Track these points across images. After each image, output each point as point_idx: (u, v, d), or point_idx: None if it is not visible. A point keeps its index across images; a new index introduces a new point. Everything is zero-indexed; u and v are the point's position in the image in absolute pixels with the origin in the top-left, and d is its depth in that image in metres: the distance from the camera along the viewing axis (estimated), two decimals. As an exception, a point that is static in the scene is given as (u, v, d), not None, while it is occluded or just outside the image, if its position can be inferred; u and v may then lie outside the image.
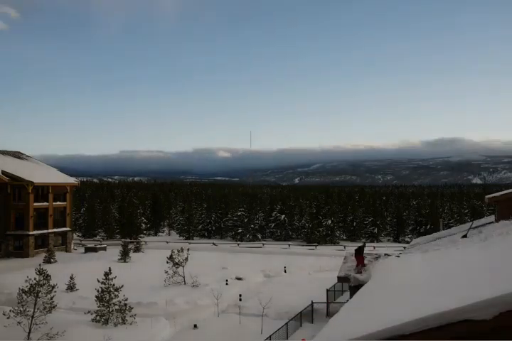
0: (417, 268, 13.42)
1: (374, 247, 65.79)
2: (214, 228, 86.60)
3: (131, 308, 28.21)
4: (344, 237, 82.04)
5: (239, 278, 42.11)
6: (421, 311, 6.28)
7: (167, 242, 72.06)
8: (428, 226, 77.56)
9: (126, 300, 28.33)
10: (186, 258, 39.33)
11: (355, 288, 23.41)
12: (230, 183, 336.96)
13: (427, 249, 25.30)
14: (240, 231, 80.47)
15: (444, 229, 43.25)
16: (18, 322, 25.10)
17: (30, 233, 55.87)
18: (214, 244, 73.26)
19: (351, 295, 23.44)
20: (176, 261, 39.03)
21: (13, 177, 55.37)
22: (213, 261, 51.29)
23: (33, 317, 25.31)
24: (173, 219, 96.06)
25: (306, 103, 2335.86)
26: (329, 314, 28.49)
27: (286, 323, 26.43)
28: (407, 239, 75.51)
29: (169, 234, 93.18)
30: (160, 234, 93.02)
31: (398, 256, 26.67)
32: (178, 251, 39.73)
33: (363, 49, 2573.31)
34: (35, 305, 25.55)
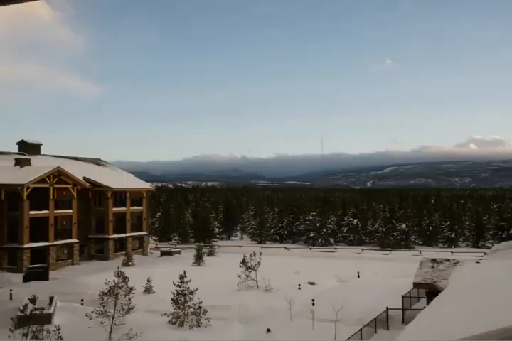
0: (498, 275, 12.80)
1: (452, 252, 63.41)
2: (286, 232, 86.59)
3: (205, 311, 28.68)
4: (420, 242, 79.59)
5: (311, 283, 41.81)
6: (502, 321, 6.00)
7: (240, 246, 72.76)
8: (511, 231, 73.76)
9: (200, 303, 28.85)
10: (259, 263, 39.48)
11: (432, 295, 22.65)
12: (301, 187, 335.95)
13: (509, 255, 24.07)
14: (312, 235, 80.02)
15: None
16: (100, 323, 26.13)
17: (110, 237, 58.14)
18: (286, 248, 73.26)
19: (428, 302, 22.69)
20: (249, 265, 39.28)
21: (94, 184, 57.92)
22: (285, 265, 51.22)
23: (113, 317, 26.28)
24: (245, 223, 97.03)
25: (375, 106, 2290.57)
26: (405, 321, 27.70)
27: (361, 329, 25.92)
28: (487, 245, 72.17)
29: (242, 238, 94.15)
30: (233, 238, 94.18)
31: (478, 262, 25.60)
32: (251, 255, 39.98)
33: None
34: (115, 306, 26.53)
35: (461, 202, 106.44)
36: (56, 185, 52.26)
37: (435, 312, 10.79)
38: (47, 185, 51.27)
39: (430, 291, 26.16)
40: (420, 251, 66.66)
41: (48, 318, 28.70)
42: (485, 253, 52.73)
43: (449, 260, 30.64)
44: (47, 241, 50.36)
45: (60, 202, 53.26)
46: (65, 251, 53.11)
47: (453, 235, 77.22)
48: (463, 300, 10.89)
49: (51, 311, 29.95)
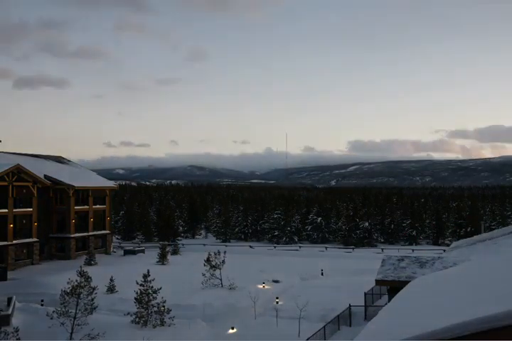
0: (457, 272, 13.14)
1: (413, 250, 64.74)
2: (251, 231, 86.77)
3: (169, 310, 28.52)
4: (382, 240, 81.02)
5: (276, 281, 42.07)
6: (460, 316, 6.16)
7: (204, 245, 72.49)
8: (469, 229, 75.77)
9: (164, 302, 28.66)
10: (223, 261, 39.53)
11: (393, 292, 23.09)
12: (266, 186, 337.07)
13: (467, 252, 24.79)
14: (276, 233, 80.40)
15: (485, 232, 42.33)
16: (62, 323, 25.65)
17: (72, 236, 57.12)
18: (251, 246, 73.44)
19: (389, 299, 23.12)
20: (213, 263, 39.29)
21: (55, 182, 56.80)
22: (250, 263, 51.38)
23: (75, 318, 25.84)
24: (210, 221, 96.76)
25: (339, 104, 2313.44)
26: (367, 317, 28.18)
27: (324, 326, 26.24)
28: (447, 242, 73.97)
29: (206, 236, 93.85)
30: (197, 236, 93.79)
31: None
32: (215, 254, 39.98)
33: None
34: (76, 306, 26.08)
35: (422, 200, 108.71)
36: (15, 183, 51.05)
37: (396, 309, 11.01)
38: (5, 183, 50.02)
39: (392, 288, 26.69)
40: (382, 249, 67.86)
41: (5, 320, 28.05)
42: (444, 251, 54.08)
43: (409, 257, 31.32)
44: (5, 240, 49.16)
45: (20, 201, 52.12)
46: (25, 251, 51.98)
47: (414, 233, 78.80)
48: (423, 296, 11.14)
49: (9, 312, 29.25)
